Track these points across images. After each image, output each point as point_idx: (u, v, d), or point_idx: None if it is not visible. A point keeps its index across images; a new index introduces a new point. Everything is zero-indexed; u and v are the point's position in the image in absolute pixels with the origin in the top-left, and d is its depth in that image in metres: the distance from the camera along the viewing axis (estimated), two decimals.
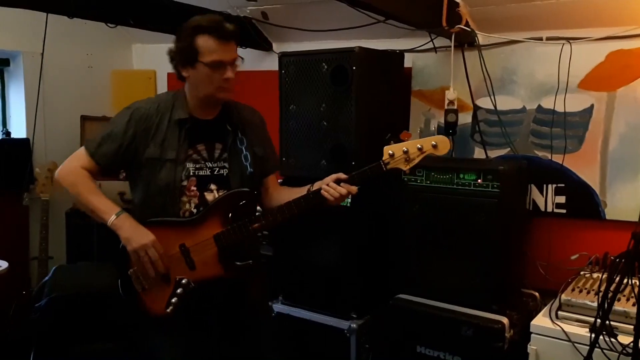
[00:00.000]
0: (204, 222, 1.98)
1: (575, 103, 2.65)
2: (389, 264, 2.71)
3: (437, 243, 2.53)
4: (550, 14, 2.61)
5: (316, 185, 2.04)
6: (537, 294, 2.68)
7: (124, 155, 1.99)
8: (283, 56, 2.82)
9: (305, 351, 2.85)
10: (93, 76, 3.93)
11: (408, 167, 1.99)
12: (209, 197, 2.02)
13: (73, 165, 2.01)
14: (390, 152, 1.97)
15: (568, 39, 2.62)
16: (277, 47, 3.60)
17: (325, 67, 2.68)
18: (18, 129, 3.65)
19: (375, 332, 2.72)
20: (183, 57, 1.95)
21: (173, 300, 1.95)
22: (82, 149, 2.03)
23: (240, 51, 3.65)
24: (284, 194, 2.13)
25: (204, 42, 1.92)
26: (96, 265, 3.19)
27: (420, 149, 1.96)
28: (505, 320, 2.36)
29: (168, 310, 1.94)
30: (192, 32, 1.93)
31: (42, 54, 3.45)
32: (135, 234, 1.90)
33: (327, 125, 2.72)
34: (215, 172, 2.04)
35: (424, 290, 2.56)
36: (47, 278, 2.92)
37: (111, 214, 1.92)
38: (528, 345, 2.24)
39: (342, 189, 1.97)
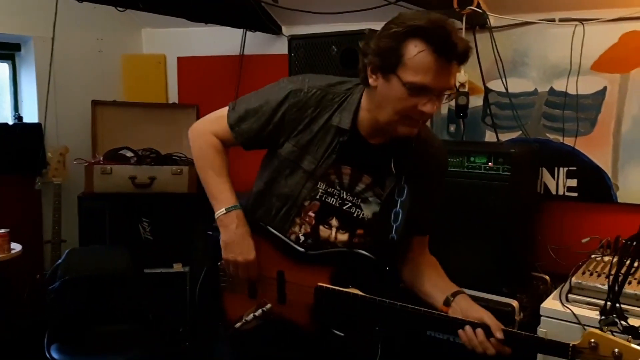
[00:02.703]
0: (314, 265, 1.61)
1: (587, 85, 2.62)
2: None
3: (448, 226, 2.51)
4: None
5: (461, 301, 1.59)
6: (547, 277, 2.67)
7: (264, 138, 1.63)
8: (292, 39, 2.81)
9: None
10: (103, 61, 3.93)
11: None
12: (324, 233, 1.63)
13: (207, 129, 1.69)
14: (593, 342, 1.33)
15: (581, 20, 2.59)
16: (287, 30, 3.59)
17: (335, 49, 2.66)
18: (30, 114, 3.67)
19: None
20: (378, 60, 1.43)
21: (248, 318, 1.67)
22: (224, 112, 1.68)
23: (249, 34, 3.71)
24: (426, 272, 1.70)
25: (415, 51, 1.37)
26: (109, 248, 3.22)
27: None
28: (515, 303, 2.35)
29: (237, 324, 1.68)
30: (405, 31, 1.39)
31: (53, 39, 3.45)
32: (235, 245, 1.62)
33: None
34: (345, 207, 1.62)
35: None
36: (60, 261, 2.96)
37: (222, 207, 1.63)
38: (538, 328, 2.24)
39: (491, 348, 1.46)
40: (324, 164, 1.59)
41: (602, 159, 2.63)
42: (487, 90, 2.87)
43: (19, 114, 3.68)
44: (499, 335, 1.46)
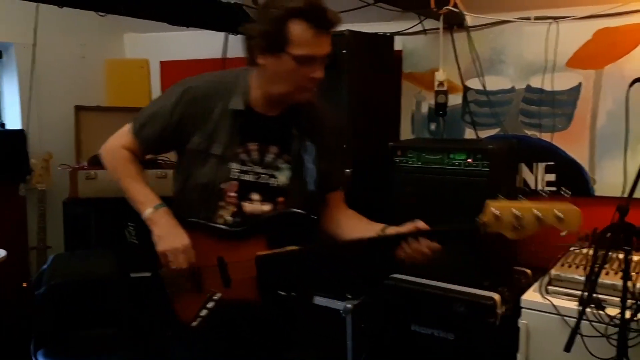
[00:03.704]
0: (249, 239, 1.70)
1: (563, 81, 2.68)
2: None
3: (430, 222, 2.54)
4: None
5: (391, 230, 1.68)
6: (528, 271, 2.72)
7: (168, 138, 1.75)
8: None
9: (303, 332, 2.89)
10: (86, 66, 3.93)
11: (515, 236, 1.50)
12: (248, 208, 1.73)
13: (115, 145, 1.79)
14: (497, 212, 1.47)
15: (555, 18, 2.64)
16: None
17: None
18: (13, 121, 3.66)
19: (371, 312, 2.77)
20: (266, 41, 1.59)
21: (202, 313, 1.72)
22: (128, 126, 1.79)
23: (231, 37, 3.73)
24: (348, 222, 1.81)
25: (299, 29, 1.56)
26: (94, 253, 3.22)
27: (539, 220, 1.44)
28: (496, 296, 2.40)
29: (194, 323, 1.72)
30: (285, 13, 1.57)
31: (34, 45, 3.45)
32: (168, 235, 1.67)
33: None
34: (260, 179, 1.74)
35: (418, 270, 2.59)
36: (45, 266, 2.95)
37: (148, 207, 1.70)
38: (518, 320, 2.28)
39: (425, 249, 1.58)
40: (231, 146, 1.71)
41: (579, 154, 2.68)
42: (466, 89, 2.92)
43: (2, 121, 3.68)
44: (423, 226, 1.61)
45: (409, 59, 3.08)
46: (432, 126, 3.04)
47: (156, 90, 4.06)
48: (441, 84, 2.76)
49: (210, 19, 3.48)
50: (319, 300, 2.80)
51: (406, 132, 3.12)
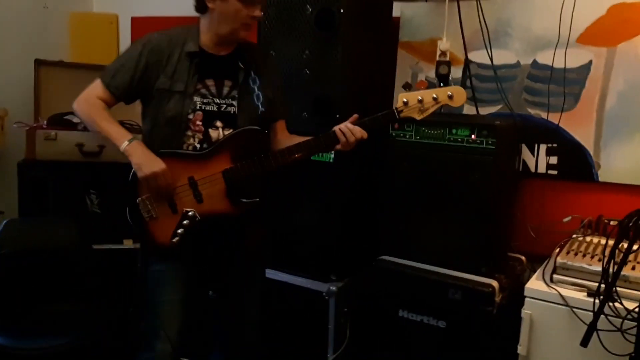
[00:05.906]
0: (214, 157, 2.00)
1: (572, 58, 2.50)
2: (374, 224, 2.55)
3: (426, 202, 2.39)
4: None
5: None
6: (523, 257, 2.58)
7: (137, 86, 2.03)
8: None
9: (283, 314, 2.70)
10: (49, 17, 3.59)
11: (421, 116, 1.97)
12: (214, 134, 2.03)
13: (89, 95, 2.04)
14: (405, 100, 1.95)
15: None
16: None
17: (310, 9, 2.47)
18: None
19: (356, 295, 2.59)
20: None
21: (179, 231, 1.98)
22: (98, 80, 2.05)
23: None
24: (293, 140, 2.10)
25: None
26: (52, 221, 2.93)
27: (435, 99, 1.94)
28: (495, 283, 2.24)
29: (174, 240, 1.98)
30: None
31: None
32: (147, 161, 1.94)
33: (310, 74, 2.53)
34: (222, 109, 2.05)
35: (410, 252, 2.42)
36: None
37: (123, 140, 1.96)
38: (522, 310, 2.12)
39: (357, 131, 1.96)
40: (191, 83, 2.02)
41: (584, 136, 2.52)
42: (468, 62, 2.72)
43: None
44: (356, 117, 2.00)
45: (407, 27, 2.86)
46: None
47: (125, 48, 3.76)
48: (444, 53, 2.56)
49: None
50: (301, 281, 2.61)
51: None
